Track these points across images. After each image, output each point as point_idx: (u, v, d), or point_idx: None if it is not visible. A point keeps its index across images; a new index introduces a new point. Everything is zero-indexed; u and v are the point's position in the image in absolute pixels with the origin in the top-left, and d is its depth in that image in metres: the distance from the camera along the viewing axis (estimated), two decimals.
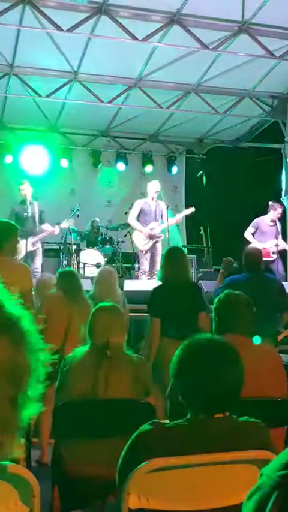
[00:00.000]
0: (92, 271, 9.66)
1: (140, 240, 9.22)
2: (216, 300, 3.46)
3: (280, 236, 9.13)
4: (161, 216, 9.23)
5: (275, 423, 2.89)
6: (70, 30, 7.97)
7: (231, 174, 13.31)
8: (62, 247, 10.59)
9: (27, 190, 8.93)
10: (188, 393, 2.02)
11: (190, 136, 13.60)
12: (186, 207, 11.10)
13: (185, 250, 11.45)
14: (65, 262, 10.31)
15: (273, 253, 8.90)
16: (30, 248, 8.72)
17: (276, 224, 9.13)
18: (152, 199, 9.24)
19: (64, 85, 10.28)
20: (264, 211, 9.26)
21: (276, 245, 8.96)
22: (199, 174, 13.74)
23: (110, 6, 8.05)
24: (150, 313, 5.16)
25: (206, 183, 13.82)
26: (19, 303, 1.28)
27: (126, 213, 9.96)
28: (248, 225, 9.28)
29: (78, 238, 10.93)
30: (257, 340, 3.31)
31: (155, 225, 9.13)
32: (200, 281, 8.77)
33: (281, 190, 11.47)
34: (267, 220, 9.14)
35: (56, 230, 9.07)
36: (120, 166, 13.38)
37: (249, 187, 12.63)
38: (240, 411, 2.05)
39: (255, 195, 11.29)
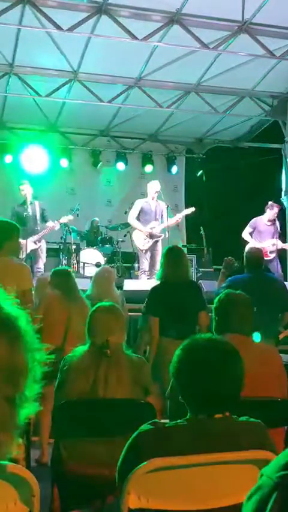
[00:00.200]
0: (91, 271, 9.65)
1: (140, 240, 9.22)
2: (216, 299, 3.46)
3: (277, 235, 9.12)
4: (161, 216, 9.23)
5: (275, 423, 2.89)
6: (70, 29, 7.97)
7: (231, 174, 13.32)
8: (61, 247, 10.59)
9: (27, 190, 8.93)
10: (188, 393, 2.02)
11: (190, 136, 13.61)
12: (186, 206, 11.10)
13: (185, 250, 11.50)
14: (64, 262, 10.30)
15: (270, 252, 8.90)
16: (32, 247, 8.73)
17: (274, 223, 9.12)
18: (153, 199, 9.24)
19: (64, 84, 10.28)
20: (264, 211, 9.25)
21: (274, 244, 8.96)
22: (199, 173, 13.74)
23: (110, 5, 8.05)
24: (149, 312, 5.16)
25: (205, 183, 13.81)
26: (17, 302, 1.28)
27: (126, 212, 9.96)
28: (247, 226, 9.28)
29: (78, 237, 10.92)
30: (257, 337, 3.31)
31: (155, 225, 9.13)
32: (200, 281, 8.76)
33: (281, 190, 11.47)
34: (265, 219, 9.15)
35: (56, 226, 9.06)
36: (120, 166, 13.38)
37: (249, 187, 12.64)
38: (240, 411, 2.05)
39: (255, 195, 11.29)
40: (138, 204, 9.28)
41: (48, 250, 10.99)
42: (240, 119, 12.23)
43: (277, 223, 9.21)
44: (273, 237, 9.02)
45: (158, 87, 10.54)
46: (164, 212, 9.20)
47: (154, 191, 9.21)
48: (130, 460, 2.00)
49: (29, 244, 8.59)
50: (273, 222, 9.11)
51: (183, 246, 11.69)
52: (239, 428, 2.04)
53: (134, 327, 6.88)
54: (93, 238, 11.05)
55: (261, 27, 8.49)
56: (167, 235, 9.11)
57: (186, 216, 10.92)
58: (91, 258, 10.38)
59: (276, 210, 9.14)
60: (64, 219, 9.35)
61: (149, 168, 13.52)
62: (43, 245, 9.10)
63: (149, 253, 9.23)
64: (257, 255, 5.96)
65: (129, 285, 8.54)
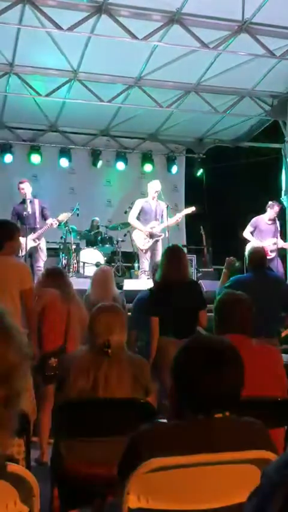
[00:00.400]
0: (91, 271, 9.65)
1: (140, 239, 9.22)
2: (217, 299, 3.45)
3: (279, 235, 9.13)
4: (161, 216, 9.23)
5: (276, 423, 2.89)
6: (70, 29, 7.97)
7: (231, 174, 13.33)
8: (61, 247, 10.59)
9: (27, 189, 8.92)
10: (188, 393, 2.02)
11: (190, 136, 13.61)
12: (186, 206, 11.10)
13: (185, 249, 11.50)
14: (64, 262, 10.30)
15: (271, 251, 8.90)
16: (31, 245, 8.72)
17: (275, 223, 9.13)
18: (153, 198, 9.24)
19: (64, 84, 10.28)
20: (264, 210, 9.26)
21: (275, 243, 8.97)
22: (199, 173, 13.74)
23: (110, 5, 8.04)
24: (149, 312, 5.16)
25: (205, 183, 13.82)
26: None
27: (126, 212, 9.96)
28: (248, 225, 9.28)
29: (78, 237, 10.92)
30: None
31: (155, 224, 9.13)
32: (200, 281, 8.77)
33: (281, 189, 11.47)
34: (266, 219, 9.15)
35: (54, 223, 9.05)
36: (120, 165, 13.39)
37: (249, 187, 12.65)
38: (240, 411, 2.04)
39: (255, 195, 11.30)
40: (139, 204, 9.28)
41: (48, 249, 10.98)
42: (240, 119, 12.24)
43: (277, 222, 9.22)
44: (274, 236, 9.03)
45: (158, 87, 10.54)
46: (164, 212, 9.20)
47: (154, 191, 9.21)
48: (130, 459, 1.99)
49: (28, 242, 8.58)
50: (273, 221, 9.12)
51: (183, 245, 11.70)
52: (239, 428, 2.03)
53: None
54: (93, 238, 11.05)
55: (261, 26, 8.48)
56: (167, 235, 9.11)
57: (186, 216, 10.92)
58: (91, 257, 10.39)
59: (277, 209, 9.15)
60: (62, 217, 9.34)
61: (149, 167, 13.53)
62: (43, 243, 9.08)
63: (149, 253, 9.22)
64: (260, 254, 5.97)
65: (129, 284, 8.54)
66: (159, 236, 9.20)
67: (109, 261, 10.61)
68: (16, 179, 9.46)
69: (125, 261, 11.13)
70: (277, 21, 8.39)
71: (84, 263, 10.29)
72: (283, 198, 11.28)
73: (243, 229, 9.25)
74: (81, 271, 10.16)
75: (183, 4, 8.03)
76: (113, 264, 10.49)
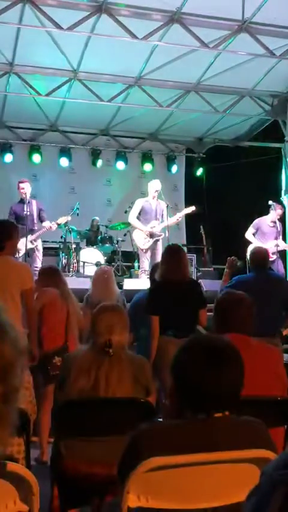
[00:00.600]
0: (91, 270, 9.66)
1: (140, 239, 9.21)
2: (217, 299, 3.45)
3: (280, 237, 9.14)
4: (162, 215, 9.23)
5: (275, 422, 2.89)
6: (70, 28, 7.97)
7: (231, 173, 13.32)
8: (61, 246, 10.59)
9: (27, 189, 8.91)
10: (188, 392, 2.02)
11: (190, 135, 13.61)
12: (186, 206, 11.09)
13: (185, 249, 11.50)
14: (64, 261, 10.30)
15: (273, 253, 8.90)
16: (29, 246, 8.71)
17: (277, 224, 9.14)
18: (153, 198, 9.24)
19: (64, 84, 10.28)
20: (264, 210, 9.26)
21: (277, 245, 8.97)
22: (199, 173, 13.73)
23: (110, 4, 8.04)
24: (149, 311, 5.16)
25: (205, 182, 13.81)
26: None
27: (126, 211, 9.97)
28: (248, 224, 9.29)
29: (78, 237, 10.92)
30: None
31: (156, 224, 9.13)
32: (200, 280, 8.76)
33: (281, 189, 11.47)
34: (268, 220, 9.15)
35: (53, 226, 9.05)
36: (120, 165, 13.39)
37: (249, 187, 12.64)
38: (240, 410, 2.04)
39: (255, 194, 11.30)
40: (139, 203, 9.28)
41: (48, 249, 11.01)
42: (240, 118, 12.24)
43: (279, 223, 9.23)
44: (275, 238, 9.04)
45: (158, 87, 10.54)
46: (164, 211, 9.20)
47: (154, 190, 9.21)
48: (129, 459, 2.00)
49: (26, 243, 8.55)
50: (275, 222, 9.14)
51: (183, 245, 11.70)
52: (239, 427, 2.03)
53: None
54: (93, 238, 11.05)
55: (261, 26, 8.48)
56: (167, 235, 9.12)
57: (186, 216, 10.92)
58: (91, 257, 10.39)
59: (280, 211, 9.16)
60: (61, 220, 9.35)
61: (148, 167, 13.53)
62: (39, 244, 9.07)
63: (149, 253, 9.22)
64: (263, 254, 5.98)
65: (129, 284, 8.54)
66: (160, 236, 9.20)
67: (109, 261, 10.62)
68: (16, 179, 9.46)
69: (125, 260, 11.13)
70: (277, 21, 8.38)
71: (84, 263, 10.29)
72: (283, 197, 11.28)
73: (243, 229, 9.26)
74: (81, 270, 10.16)
75: (183, 3, 8.02)
76: (113, 263, 10.49)
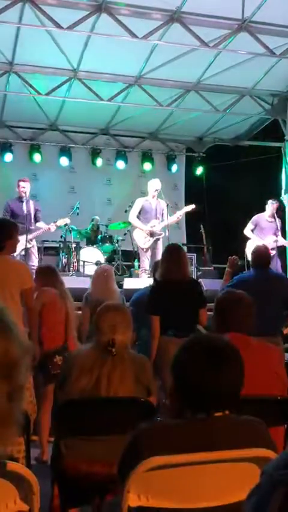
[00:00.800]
0: (92, 270, 9.66)
1: (141, 238, 9.21)
2: (217, 298, 3.45)
3: (279, 232, 9.14)
4: (162, 214, 9.23)
5: (275, 421, 2.89)
6: (70, 28, 7.96)
7: (231, 173, 13.32)
8: (61, 245, 10.59)
9: (27, 188, 8.88)
10: (188, 392, 2.02)
11: (190, 135, 13.61)
12: (186, 205, 11.09)
13: (185, 248, 11.50)
14: (64, 260, 10.30)
15: (271, 249, 8.91)
16: (26, 246, 8.68)
17: (275, 220, 9.15)
18: (153, 197, 9.24)
19: (64, 83, 10.28)
20: (264, 209, 9.27)
21: (275, 241, 8.98)
22: (199, 172, 13.73)
23: (110, 4, 8.04)
24: (150, 311, 5.16)
25: (205, 181, 13.81)
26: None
27: (126, 211, 9.96)
28: (249, 222, 9.30)
29: (78, 236, 10.92)
30: None
31: (156, 223, 9.13)
32: (200, 279, 8.76)
33: (281, 188, 11.47)
34: (266, 216, 9.17)
35: (52, 228, 9.04)
36: (120, 164, 13.39)
37: (249, 186, 12.64)
38: (240, 409, 2.04)
39: (255, 193, 11.30)
40: (139, 203, 9.27)
41: (48, 248, 11.02)
42: (240, 118, 12.24)
43: (278, 219, 9.24)
44: (274, 234, 9.04)
45: (158, 86, 10.54)
46: (164, 210, 9.20)
47: (154, 189, 9.21)
48: (130, 458, 2.00)
49: (22, 243, 8.50)
50: (274, 218, 9.15)
51: (183, 244, 11.70)
52: (239, 426, 2.03)
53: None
54: (93, 237, 11.05)
55: (261, 25, 8.48)
56: (167, 234, 9.12)
57: (186, 215, 10.92)
58: (91, 256, 10.39)
59: (275, 205, 9.17)
60: (61, 222, 9.35)
61: (148, 166, 13.52)
62: (35, 244, 9.06)
63: (149, 252, 9.22)
64: (264, 253, 5.98)
65: (129, 283, 8.54)
66: (160, 235, 9.19)
67: (109, 260, 10.61)
68: (16, 178, 9.45)
69: (125, 259, 11.13)
70: (277, 20, 8.38)
71: (84, 262, 10.29)
72: (283, 196, 11.29)
73: (243, 228, 9.27)
74: (81, 270, 10.16)
75: (183, 3, 8.02)
76: (113, 262, 10.49)
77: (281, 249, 9.60)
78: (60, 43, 9.02)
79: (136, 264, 10.26)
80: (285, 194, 11.31)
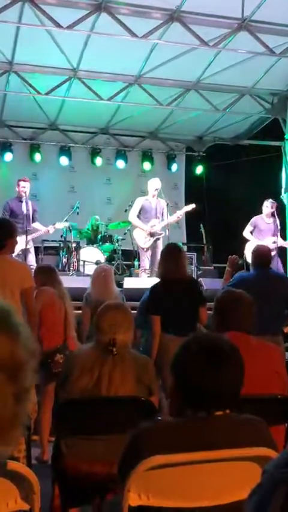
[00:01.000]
0: (92, 269, 9.65)
1: (141, 238, 9.21)
2: (217, 297, 3.45)
3: (278, 233, 9.13)
4: (162, 214, 9.22)
5: (276, 420, 2.89)
6: (70, 27, 7.96)
7: (231, 172, 13.31)
8: (61, 245, 10.59)
9: (27, 188, 8.88)
10: (188, 391, 2.02)
11: (190, 134, 13.61)
12: (186, 204, 11.09)
13: (185, 248, 11.49)
14: (64, 260, 10.29)
15: (271, 250, 8.91)
16: (23, 246, 8.66)
17: (274, 221, 9.13)
18: (153, 196, 9.23)
19: (64, 82, 10.28)
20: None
21: (274, 242, 8.97)
22: (199, 171, 13.72)
23: (109, 3, 8.04)
24: (150, 311, 5.17)
25: (205, 181, 13.80)
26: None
27: (126, 210, 9.96)
28: (248, 222, 9.29)
29: (78, 235, 10.91)
30: None
31: (156, 222, 9.13)
32: (200, 279, 8.76)
33: (281, 187, 11.47)
34: (264, 217, 9.16)
35: (51, 230, 9.04)
36: (120, 163, 13.38)
37: (249, 185, 12.62)
38: (240, 408, 2.04)
39: (255, 193, 11.28)
40: (139, 202, 9.27)
41: (48, 248, 11.01)
42: (240, 117, 12.23)
43: (277, 220, 9.22)
44: (273, 235, 9.03)
45: (157, 85, 10.54)
46: (164, 210, 9.19)
47: (154, 189, 9.20)
48: (130, 457, 2.00)
49: (21, 243, 8.49)
50: (273, 219, 9.13)
51: (183, 244, 11.70)
52: (239, 425, 2.03)
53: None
54: (93, 236, 11.04)
55: (261, 24, 8.48)
56: (167, 233, 9.11)
57: (186, 214, 10.92)
58: (91, 256, 10.37)
59: (270, 205, 9.15)
60: (59, 225, 9.36)
61: (148, 166, 13.52)
62: (32, 244, 9.05)
63: (149, 252, 9.22)
64: (265, 252, 5.98)
65: (129, 283, 8.53)
66: (160, 234, 9.19)
67: (109, 260, 10.61)
68: (16, 178, 9.45)
69: (125, 259, 11.12)
70: (277, 19, 8.38)
71: (84, 261, 10.28)
72: (283, 195, 11.28)
73: (243, 227, 9.26)
74: (81, 269, 10.15)
75: (183, 2, 8.02)
76: (113, 262, 10.48)
77: (281, 249, 9.59)
78: (60, 42, 9.02)
79: (136, 263, 10.26)
80: (285, 193, 11.30)
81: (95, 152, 13.27)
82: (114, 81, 10.44)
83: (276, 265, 8.93)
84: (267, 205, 9.13)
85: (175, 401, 2.09)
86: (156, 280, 5.58)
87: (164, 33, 8.51)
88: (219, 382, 1.96)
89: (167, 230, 9.12)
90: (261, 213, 9.24)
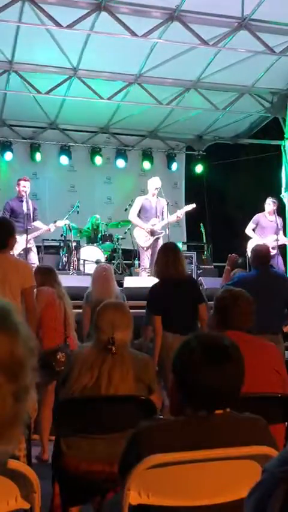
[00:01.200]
0: (92, 268, 9.65)
1: (141, 237, 9.21)
2: (216, 296, 3.45)
3: (281, 231, 9.14)
4: (162, 213, 9.22)
5: (276, 419, 2.89)
6: (70, 26, 7.95)
7: (231, 171, 13.33)
8: (61, 244, 10.59)
9: (27, 187, 8.88)
10: (188, 389, 2.02)
11: (190, 133, 13.59)
12: (186, 203, 11.09)
13: (185, 247, 11.50)
14: (64, 259, 10.29)
15: (272, 248, 8.91)
16: (25, 245, 8.67)
17: (276, 219, 9.16)
18: (153, 195, 9.23)
19: (64, 82, 10.27)
20: (263, 207, 9.27)
21: (276, 240, 8.98)
22: (199, 170, 13.72)
23: (109, 2, 8.03)
24: (151, 311, 5.17)
25: (205, 180, 13.80)
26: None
27: (126, 209, 9.96)
28: (248, 221, 9.32)
29: (78, 235, 10.91)
30: None
31: (156, 221, 9.13)
32: (200, 278, 8.77)
33: (281, 186, 11.47)
34: (266, 215, 9.18)
35: (52, 228, 9.05)
36: (120, 162, 13.38)
37: (249, 184, 12.64)
38: (240, 407, 2.04)
39: (255, 192, 11.30)
40: (139, 201, 9.27)
41: (48, 247, 11.01)
42: (240, 116, 12.22)
43: (279, 218, 9.24)
44: (275, 233, 9.04)
45: (157, 84, 10.53)
46: (164, 209, 9.19)
47: (154, 188, 9.20)
48: (130, 456, 2.00)
49: (22, 242, 8.50)
50: (275, 217, 9.15)
51: (183, 243, 11.70)
52: (239, 424, 2.04)
53: (135, 324, 6.88)
54: (93, 236, 11.04)
55: (260, 23, 8.47)
56: (167, 232, 9.11)
57: (187, 213, 10.92)
58: (91, 255, 10.37)
59: (272, 202, 9.16)
60: (60, 223, 9.37)
61: (148, 165, 13.51)
62: (33, 243, 9.06)
63: (150, 251, 9.21)
64: (264, 252, 5.98)
65: (129, 282, 8.54)
66: (160, 233, 9.19)
67: (109, 259, 10.61)
68: (16, 177, 9.44)
69: (125, 258, 11.12)
70: (276, 18, 8.38)
71: (84, 261, 10.28)
72: (283, 194, 11.28)
73: (244, 226, 9.28)
74: (81, 268, 10.16)
75: (183, 1, 8.01)
76: (113, 261, 10.48)
77: (282, 248, 9.60)
78: (60, 42, 9.01)
79: (136, 262, 10.26)
80: (285, 192, 11.30)
81: (95, 151, 13.26)
82: (114, 81, 10.43)
83: (277, 263, 8.94)
84: (270, 203, 9.15)
85: (175, 400, 2.09)
86: (156, 279, 5.58)
87: (164, 33, 8.51)
88: (219, 381, 1.96)
89: (167, 229, 9.12)
90: (261, 211, 9.26)
